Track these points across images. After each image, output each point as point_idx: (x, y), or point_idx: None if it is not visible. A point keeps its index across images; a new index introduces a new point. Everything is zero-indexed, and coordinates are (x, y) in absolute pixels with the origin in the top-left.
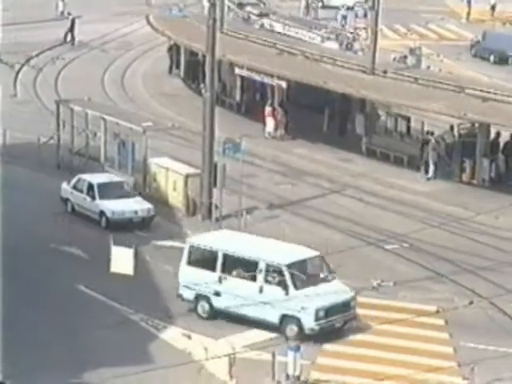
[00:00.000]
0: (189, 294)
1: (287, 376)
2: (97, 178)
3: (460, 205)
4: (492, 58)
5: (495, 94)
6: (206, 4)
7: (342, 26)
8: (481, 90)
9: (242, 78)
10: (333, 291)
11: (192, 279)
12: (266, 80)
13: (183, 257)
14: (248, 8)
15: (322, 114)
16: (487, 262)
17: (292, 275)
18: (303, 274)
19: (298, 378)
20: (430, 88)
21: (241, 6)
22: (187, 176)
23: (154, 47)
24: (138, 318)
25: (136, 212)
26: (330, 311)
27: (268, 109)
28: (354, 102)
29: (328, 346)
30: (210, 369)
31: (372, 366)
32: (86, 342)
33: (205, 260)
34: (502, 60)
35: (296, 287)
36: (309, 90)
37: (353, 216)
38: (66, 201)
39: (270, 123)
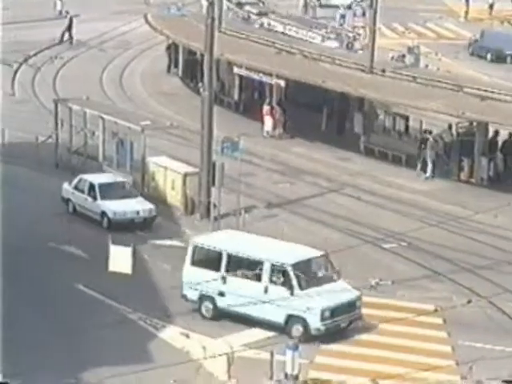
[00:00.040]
0: (193, 295)
1: (285, 375)
2: (98, 179)
3: (458, 204)
4: (489, 56)
5: (493, 92)
6: (205, 3)
7: (341, 24)
8: (479, 89)
9: (241, 76)
10: (338, 291)
11: (196, 279)
12: (265, 79)
13: (187, 257)
14: (247, 7)
15: (321, 113)
16: (486, 261)
17: (297, 275)
18: (308, 274)
19: (297, 377)
20: (428, 87)
21: (240, 5)
22: (186, 175)
23: (153, 46)
24: (137, 317)
25: (138, 212)
26: (335, 311)
27: (266, 108)
28: (353, 100)
29: (326, 345)
30: (209, 368)
31: (370, 364)
32: (85, 341)
33: (209, 260)
34: (498, 58)
35: (301, 287)
36: (307, 89)
37: (351, 215)
38: (67, 201)
39: (269, 122)
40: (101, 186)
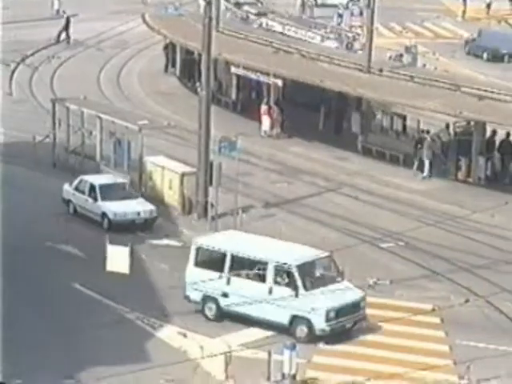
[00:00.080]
0: (196, 296)
1: (283, 375)
2: (99, 179)
3: (456, 203)
4: (485, 55)
5: (491, 92)
6: (202, 2)
7: (338, 24)
8: (477, 89)
9: (238, 76)
10: (343, 291)
11: (199, 280)
12: (262, 78)
13: (190, 258)
14: (246, 7)
15: (318, 113)
16: (483, 261)
17: (302, 276)
18: (313, 275)
19: (294, 376)
20: (425, 86)
21: (238, 5)
22: (183, 174)
23: (150, 46)
24: (134, 317)
25: (138, 213)
26: (340, 312)
27: (264, 107)
28: (350, 100)
29: (323, 345)
30: (206, 367)
31: (368, 364)
32: (83, 341)
33: (212, 261)
34: (495, 57)
35: (306, 288)
36: (305, 89)
37: (349, 214)
38: (67, 202)
39: (266, 122)
40: (101, 187)
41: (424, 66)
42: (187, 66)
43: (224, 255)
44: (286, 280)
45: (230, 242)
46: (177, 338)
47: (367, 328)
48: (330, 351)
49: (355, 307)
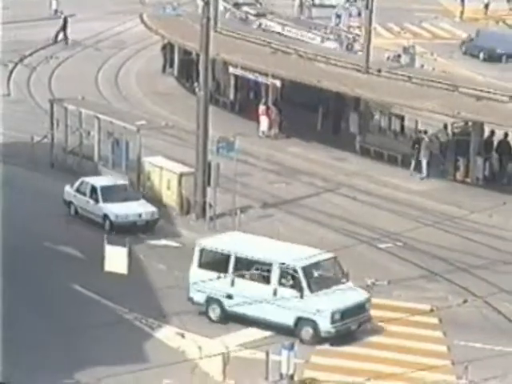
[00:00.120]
0: (200, 297)
1: (281, 375)
2: (100, 181)
3: (454, 203)
4: (482, 55)
5: (489, 92)
6: (200, 3)
7: (336, 24)
8: (475, 89)
9: (236, 76)
10: (348, 293)
11: (203, 282)
12: (260, 79)
13: (193, 259)
14: (245, 8)
15: (316, 113)
16: (481, 261)
17: (307, 277)
18: (318, 276)
19: (292, 376)
20: (423, 87)
21: (237, 5)
22: (181, 175)
23: (148, 46)
24: (133, 317)
25: (140, 215)
26: (345, 314)
27: (262, 107)
28: (348, 100)
29: (321, 346)
30: (204, 367)
31: (366, 364)
32: (81, 341)
33: (216, 262)
34: (491, 57)
35: (311, 289)
36: (303, 89)
37: (347, 215)
38: (69, 204)
39: (264, 122)
40: (103, 188)
41: (422, 66)
42: (185, 67)
43: (228, 257)
44: (291, 281)
45: (233, 243)
46: (175, 338)
47: (365, 329)
48: (328, 351)
49: (360, 309)
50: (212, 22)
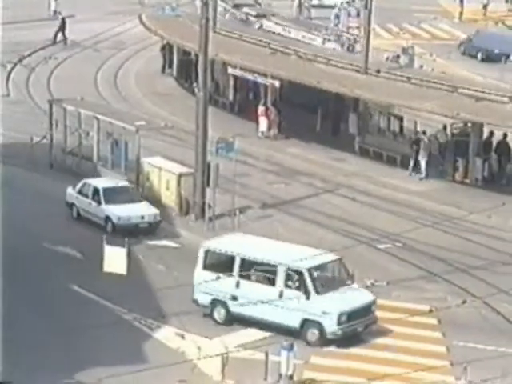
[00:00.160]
0: (204, 299)
1: (280, 375)
2: (102, 183)
3: (453, 204)
4: (479, 55)
5: (488, 93)
6: (199, 3)
7: (335, 25)
8: (474, 90)
9: (235, 77)
10: (353, 295)
11: (208, 284)
12: (259, 79)
13: (198, 261)
14: (245, 9)
15: (316, 114)
16: (480, 262)
17: (313, 279)
18: (324, 278)
19: (291, 377)
20: (422, 87)
21: (236, 7)
22: (180, 175)
23: (147, 46)
24: (132, 318)
25: (142, 217)
26: (351, 315)
27: (261, 108)
28: (348, 101)
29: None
30: (203, 368)
31: (365, 365)
32: (81, 342)
33: (221, 264)
34: (488, 58)
35: (317, 291)
36: (302, 90)
37: (346, 215)
38: (71, 206)
39: (263, 123)
40: (105, 190)
41: (421, 67)
42: (184, 67)
43: (233, 258)
44: (297, 283)
45: (238, 244)
46: (174, 338)
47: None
48: (327, 352)
49: (366, 310)
50: (211, 23)
